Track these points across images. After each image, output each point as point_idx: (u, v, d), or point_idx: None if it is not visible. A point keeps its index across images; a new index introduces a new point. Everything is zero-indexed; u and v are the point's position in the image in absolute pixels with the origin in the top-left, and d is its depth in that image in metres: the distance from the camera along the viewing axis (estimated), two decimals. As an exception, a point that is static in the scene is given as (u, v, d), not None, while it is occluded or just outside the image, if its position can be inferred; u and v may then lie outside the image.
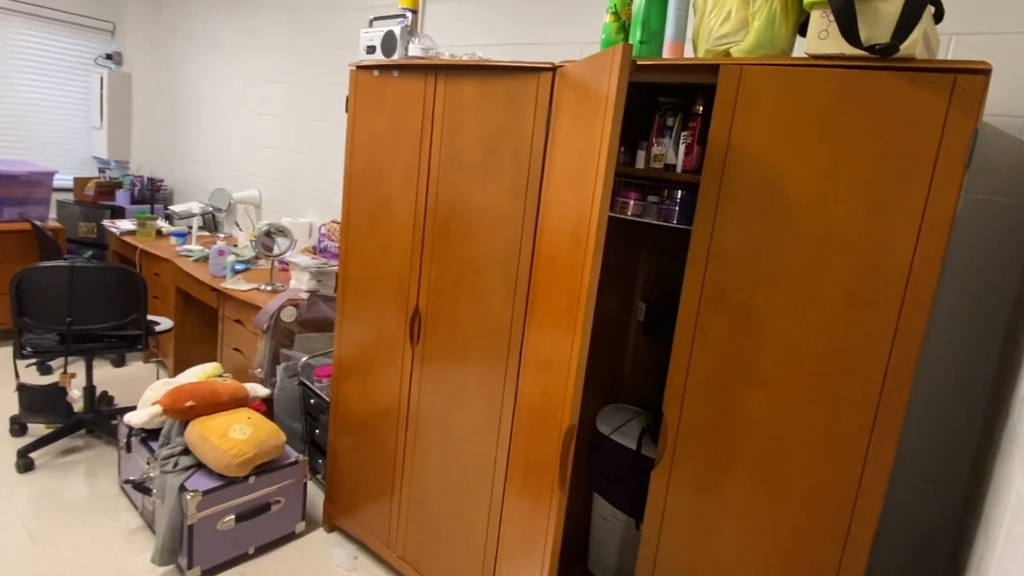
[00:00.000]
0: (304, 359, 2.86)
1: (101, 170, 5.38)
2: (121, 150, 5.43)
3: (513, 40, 2.87)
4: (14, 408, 3.41)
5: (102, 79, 5.36)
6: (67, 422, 3.17)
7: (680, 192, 1.77)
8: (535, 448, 1.68)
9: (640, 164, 1.94)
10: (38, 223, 4.29)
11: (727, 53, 1.55)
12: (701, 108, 1.74)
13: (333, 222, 3.54)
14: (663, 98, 1.88)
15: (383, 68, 2.20)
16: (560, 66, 1.72)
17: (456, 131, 1.99)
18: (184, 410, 2.50)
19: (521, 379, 1.86)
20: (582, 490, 2.33)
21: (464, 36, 3.07)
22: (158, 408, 2.53)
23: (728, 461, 1.56)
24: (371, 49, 2.25)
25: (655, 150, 1.87)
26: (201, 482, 2.32)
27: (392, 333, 2.27)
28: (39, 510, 2.64)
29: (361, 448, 2.46)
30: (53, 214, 4.88)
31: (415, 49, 2.13)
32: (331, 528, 2.67)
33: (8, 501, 2.68)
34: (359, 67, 2.29)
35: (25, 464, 2.91)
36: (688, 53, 1.70)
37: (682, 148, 1.79)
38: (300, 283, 3.11)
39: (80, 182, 5.17)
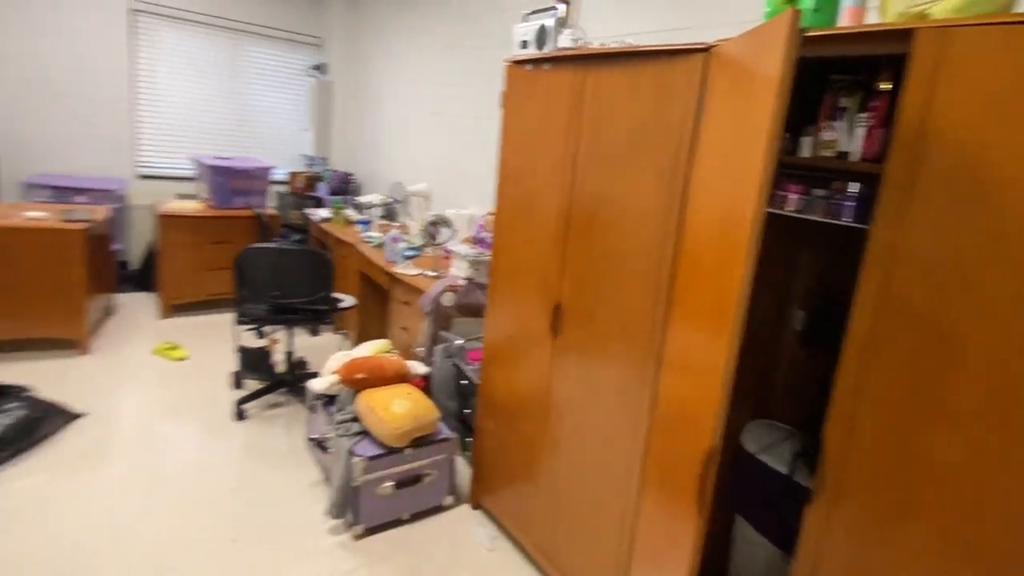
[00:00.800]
0: (459, 342, 2.77)
1: (308, 166, 5.67)
2: (323, 148, 5.70)
3: (669, 25, 2.54)
4: (235, 366, 3.68)
5: (311, 87, 5.63)
6: (271, 381, 3.36)
7: (855, 184, 1.40)
8: (672, 459, 1.41)
9: (805, 152, 1.58)
10: (259, 210, 4.58)
11: (922, 16, 1.17)
12: (887, 85, 1.35)
13: (489, 214, 3.42)
14: (836, 75, 1.51)
15: (534, 62, 2.00)
16: (714, 46, 1.41)
17: (602, 122, 1.74)
18: (356, 381, 2.51)
19: (661, 381, 1.59)
20: (722, 506, 1.99)
21: (618, 25, 2.78)
22: (336, 377, 2.57)
23: (906, 509, 1.20)
24: (524, 44, 2.05)
25: (824, 136, 1.51)
26: (367, 448, 2.31)
27: (535, 324, 2.09)
28: (246, 454, 2.81)
29: (504, 432, 2.31)
30: (272, 203, 5.21)
31: (565, 40, 1.90)
32: (475, 506, 2.56)
33: (227, 443, 2.90)
34: (513, 62, 2.11)
35: (239, 413, 3.12)
36: (871, 20, 1.33)
37: (859, 133, 1.42)
38: (459, 270, 3.02)
39: (293, 176, 5.49)
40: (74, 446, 2.75)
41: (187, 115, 5.35)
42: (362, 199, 4.56)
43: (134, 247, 5.11)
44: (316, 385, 2.56)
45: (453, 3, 4.17)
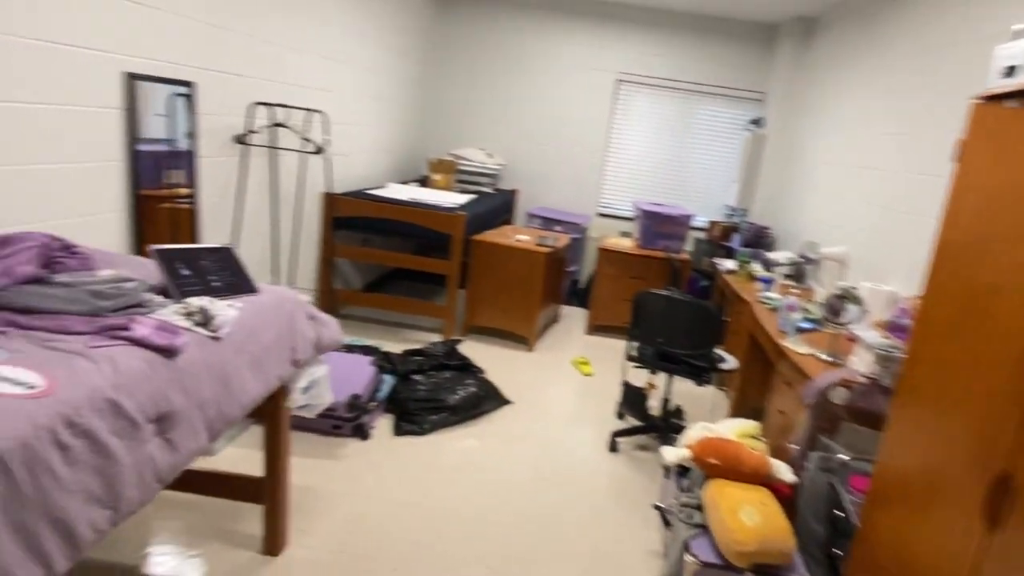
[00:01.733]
0: (842, 457, 2.10)
1: (728, 216, 5.32)
2: (746, 200, 5.26)
3: None
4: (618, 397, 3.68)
5: (745, 140, 5.26)
6: (645, 423, 3.23)
7: None
8: None
9: None
10: (673, 254, 4.50)
11: None
12: None
13: (916, 298, 2.56)
14: None
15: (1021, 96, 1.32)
16: None
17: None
18: (707, 465, 2.16)
19: None
20: None
21: None
22: (687, 453, 2.25)
23: None
24: (1009, 71, 1.37)
25: None
26: (704, 549, 1.94)
27: (957, 489, 1.34)
28: (605, 488, 2.75)
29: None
30: (688, 247, 5.07)
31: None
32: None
33: (596, 468, 2.92)
34: (984, 99, 1.44)
35: (612, 444, 3.09)
36: None
37: None
38: (861, 363, 2.31)
39: (712, 224, 5.24)
40: (498, 426, 3.18)
41: (639, 164, 5.79)
42: (771, 255, 4.02)
43: (585, 270, 5.68)
44: (667, 455, 2.30)
45: (907, 40, 3.28)
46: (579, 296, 5.54)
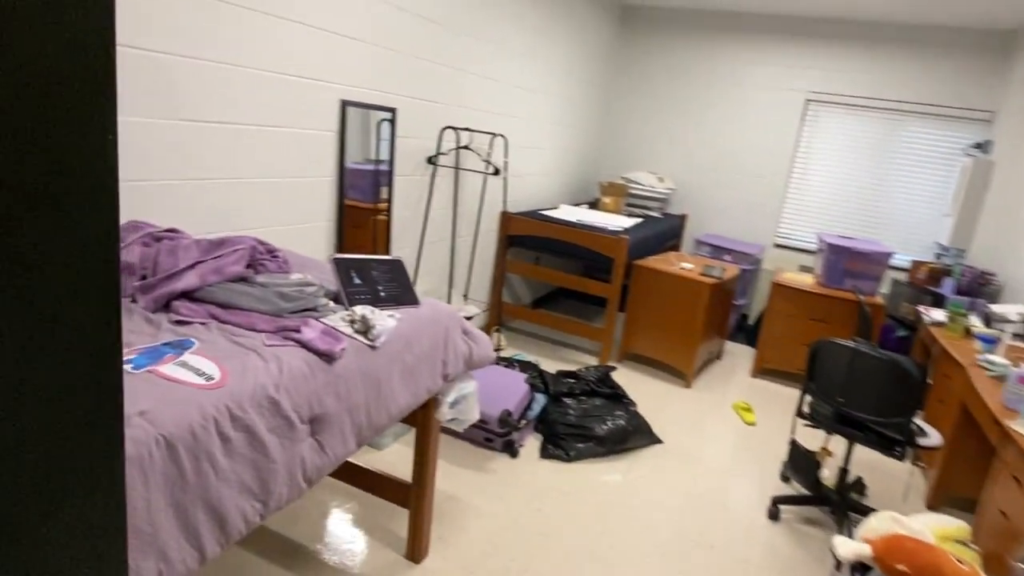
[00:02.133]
0: None
1: (937, 256, 4.41)
2: (962, 238, 4.29)
3: None
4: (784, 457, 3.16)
5: (964, 168, 4.33)
6: (814, 493, 2.70)
7: None
8: None
9: None
10: (861, 298, 3.83)
11: None
12: None
13: None
14: None
15: None
16: None
17: None
18: (895, 572, 1.69)
19: None
20: None
21: None
22: (868, 549, 1.79)
23: None
24: None
25: None
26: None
27: None
28: (762, 562, 2.33)
29: None
30: (883, 290, 4.30)
31: None
32: None
33: (750, 538, 2.46)
34: None
35: (772, 512, 2.61)
36: None
37: None
38: None
39: (916, 265, 4.37)
40: (645, 465, 2.90)
41: (826, 192, 5.06)
42: (996, 308, 3.20)
43: (755, 305, 5.13)
44: (840, 549, 1.84)
45: None
46: (747, 333, 4.98)
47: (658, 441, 3.09)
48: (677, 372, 3.96)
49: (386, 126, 2.81)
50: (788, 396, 3.96)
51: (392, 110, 2.81)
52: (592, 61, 5.05)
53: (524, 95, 4.04)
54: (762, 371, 4.24)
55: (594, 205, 5.10)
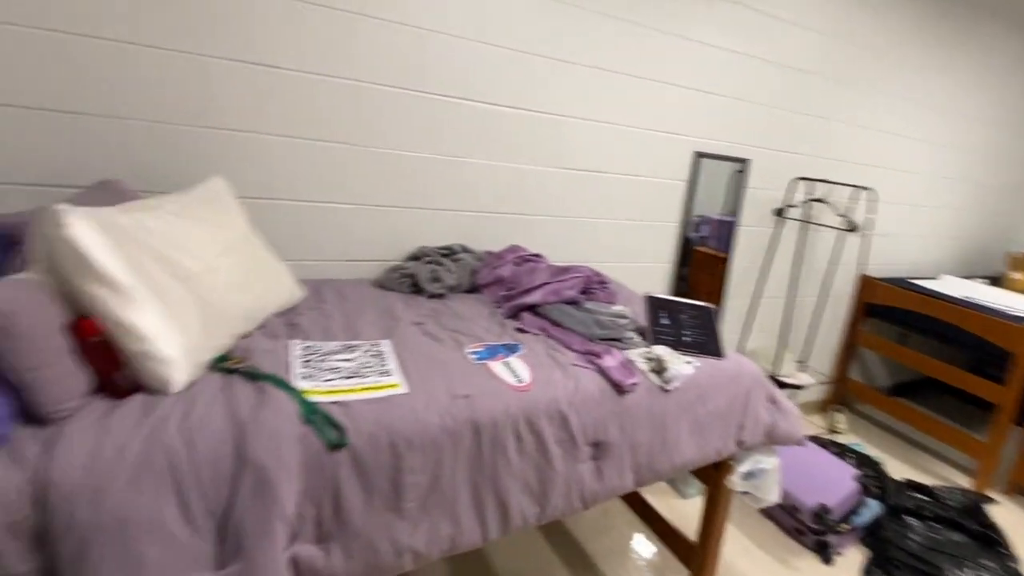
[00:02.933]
0: None
1: None
2: None
3: None
4: None
5: None
6: None
7: None
8: None
9: None
10: None
11: None
12: None
13: None
14: None
15: None
16: None
17: None
18: None
19: None
20: None
21: None
22: None
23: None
24: None
25: None
26: None
27: None
28: None
29: None
30: None
31: None
32: None
33: None
34: None
35: None
36: None
37: None
38: None
39: None
40: None
41: None
42: None
43: None
44: None
45: None
46: None
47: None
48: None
49: (737, 177, 2.74)
50: None
51: (744, 161, 2.72)
52: (1008, 100, 3.89)
53: (901, 144, 3.37)
54: None
55: (995, 282, 3.89)
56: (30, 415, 0.92)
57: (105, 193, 1.32)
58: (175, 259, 1.14)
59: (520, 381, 1.27)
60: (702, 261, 2.73)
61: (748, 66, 2.58)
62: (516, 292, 1.76)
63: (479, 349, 1.39)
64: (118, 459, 0.88)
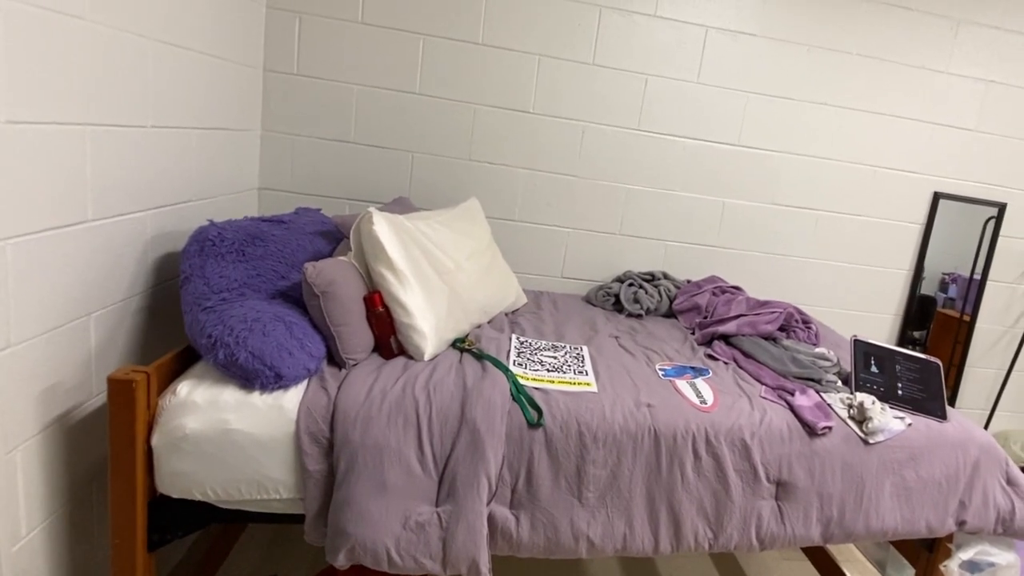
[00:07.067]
0: None
1: None
2: None
3: None
4: None
5: None
6: None
7: None
8: None
9: None
10: None
11: None
12: None
13: None
14: None
15: None
16: None
17: None
18: None
19: None
20: None
21: None
22: None
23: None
24: None
25: None
26: None
27: None
28: None
29: None
30: None
31: None
32: None
33: None
34: None
35: None
36: None
37: None
38: None
39: None
40: None
41: None
42: None
43: None
44: None
45: None
46: None
47: None
48: None
49: (988, 223, 2.23)
50: None
51: (1000, 205, 2.20)
52: None
53: None
54: None
55: None
56: (331, 358, 1.20)
57: (398, 206, 1.66)
58: (437, 257, 1.38)
59: (704, 402, 1.24)
60: (944, 323, 2.27)
61: (1003, 95, 2.10)
62: (711, 320, 1.71)
63: (667, 367, 1.38)
64: (382, 400, 1.10)
